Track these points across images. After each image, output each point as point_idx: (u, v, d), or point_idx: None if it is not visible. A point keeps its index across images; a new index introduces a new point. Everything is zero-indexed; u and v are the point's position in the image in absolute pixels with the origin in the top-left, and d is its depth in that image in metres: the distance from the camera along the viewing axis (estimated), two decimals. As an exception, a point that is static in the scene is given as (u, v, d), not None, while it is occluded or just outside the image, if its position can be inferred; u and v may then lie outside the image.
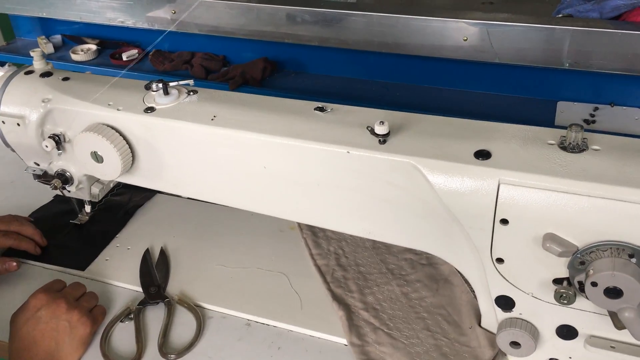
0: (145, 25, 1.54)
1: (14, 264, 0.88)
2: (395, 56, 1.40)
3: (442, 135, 0.66)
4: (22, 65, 0.86)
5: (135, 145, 0.78)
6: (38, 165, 0.88)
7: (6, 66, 1.88)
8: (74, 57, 1.78)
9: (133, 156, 0.78)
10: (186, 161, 0.77)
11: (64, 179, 0.85)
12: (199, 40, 1.71)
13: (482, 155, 0.62)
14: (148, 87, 0.79)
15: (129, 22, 1.55)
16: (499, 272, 0.65)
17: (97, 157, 0.78)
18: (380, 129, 0.65)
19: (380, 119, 0.66)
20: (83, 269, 0.89)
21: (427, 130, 0.68)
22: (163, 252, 0.91)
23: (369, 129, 0.67)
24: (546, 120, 1.27)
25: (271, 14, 1.37)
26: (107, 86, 0.79)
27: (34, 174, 0.89)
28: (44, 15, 1.62)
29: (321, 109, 0.73)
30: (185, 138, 0.74)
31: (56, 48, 1.85)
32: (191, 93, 0.79)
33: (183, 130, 0.74)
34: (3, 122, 0.82)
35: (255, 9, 1.37)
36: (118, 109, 0.76)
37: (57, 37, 1.87)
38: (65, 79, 0.83)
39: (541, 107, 1.36)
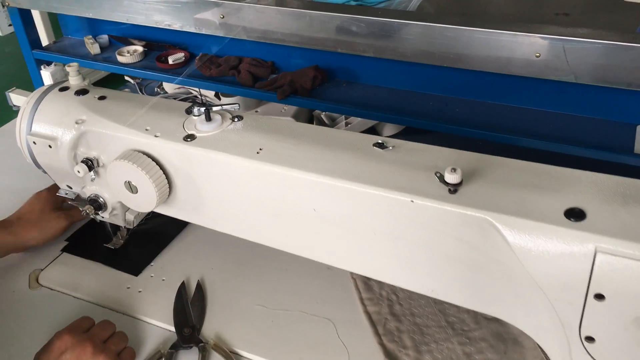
0: (193, 29, 1.47)
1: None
2: (456, 69, 1.29)
3: (523, 185, 0.57)
4: (58, 82, 0.80)
5: (173, 175, 0.71)
6: (70, 188, 0.82)
7: (52, 65, 1.86)
8: (119, 58, 1.73)
9: (170, 187, 0.71)
10: (227, 196, 0.69)
11: (97, 205, 0.79)
12: (247, 45, 1.64)
13: (575, 215, 0.52)
14: (189, 111, 0.72)
15: (176, 26, 1.49)
16: (587, 352, 0.55)
17: (131, 187, 0.71)
18: (451, 177, 0.56)
19: (450, 162, 0.57)
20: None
21: (505, 178, 0.58)
22: (200, 287, 0.83)
23: (438, 175, 0.57)
24: (624, 146, 1.15)
25: (324, 21, 1.28)
26: (144, 109, 0.72)
27: (66, 197, 0.83)
28: (90, 15, 1.58)
29: (381, 145, 0.64)
30: (227, 171, 0.67)
31: (102, 48, 1.81)
32: (236, 119, 0.71)
33: (225, 163, 0.66)
34: (34, 142, 0.76)
35: (308, 16, 1.28)
36: (156, 135, 0.69)
37: (104, 37, 1.83)
38: (102, 97, 0.77)
39: (618, 131, 1.23)
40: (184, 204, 0.73)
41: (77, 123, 0.74)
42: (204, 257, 0.89)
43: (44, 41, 2.01)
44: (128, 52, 1.75)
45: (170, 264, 0.88)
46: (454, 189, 0.56)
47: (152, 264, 0.88)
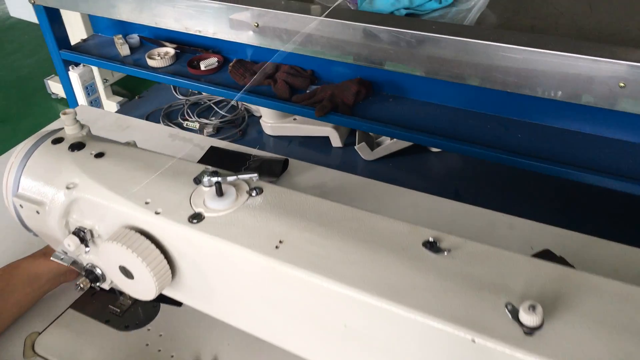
0: (225, 37, 1.34)
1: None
2: (520, 91, 1.11)
3: (625, 327, 0.42)
4: (52, 131, 0.69)
5: (177, 259, 0.58)
6: (66, 253, 0.71)
7: (80, 66, 1.76)
8: (150, 62, 1.62)
9: (173, 272, 0.59)
10: (240, 291, 0.56)
11: (94, 277, 0.67)
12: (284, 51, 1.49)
13: None
14: (198, 181, 0.59)
15: (209, 33, 1.36)
16: None
17: (126, 272, 0.59)
18: (529, 318, 0.41)
19: (526, 281, 0.43)
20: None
21: (601, 313, 0.43)
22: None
23: (510, 307, 0.43)
24: None
25: (370, 35, 1.13)
26: (146, 182, 0.60)
27: (61, 262, 0.72)
28: (119, 18, 1.47)
29: (433, 246, 0.50)
30: (239, 265, 0.54)
31: (132, 49, 1.70)
32: (254, 193, 0.58)
33: (237, 256, 0.53)
34: (21, 206, 0.65)
35: (351, 29, 1.13)
36: (157, 212, 0.57)
37: (135, 37, 1.72)
38: (99, 155, 0.65)
39: None
40: (191, 290, 0.61)
41: (68, 188, 0.62)
42: (219, 328, 0.77)
43: (81, 35, 1.91)
44: (159, 54, 1.63)
45: (179, 337, 0.77)
46: (530, 331, 0.42)
47: (161, 334, 0.77)
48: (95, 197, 0.61)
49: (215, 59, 1.53)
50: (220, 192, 0.57)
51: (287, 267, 0.50)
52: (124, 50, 1.66)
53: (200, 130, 1.82)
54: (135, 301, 0.80)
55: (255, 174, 0.58)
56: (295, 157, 1.34)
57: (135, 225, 0.58)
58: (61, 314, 0.80)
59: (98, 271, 0.68)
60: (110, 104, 2.38)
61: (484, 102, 1.32)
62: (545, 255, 0.72)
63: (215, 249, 0.54)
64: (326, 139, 1.69)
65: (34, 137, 0.68)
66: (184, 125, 1.86)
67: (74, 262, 0.71)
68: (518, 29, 1.14)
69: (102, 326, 0.78)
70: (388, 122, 1.31)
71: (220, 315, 0.61)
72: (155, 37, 1.70)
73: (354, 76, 1.37)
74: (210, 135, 1.81)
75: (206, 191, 0.58)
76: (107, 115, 1.24)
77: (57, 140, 0.67)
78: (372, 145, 1.60)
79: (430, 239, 0.50)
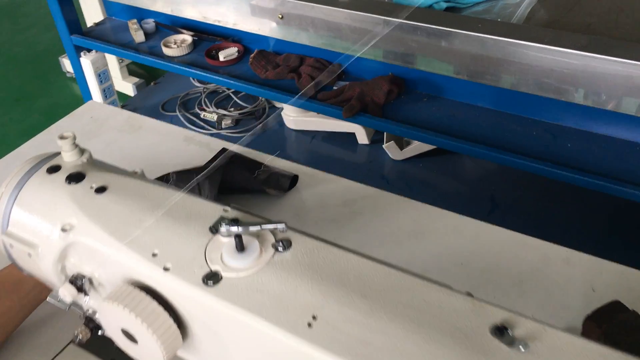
0: (247, 28, 1.24)
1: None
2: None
3: None
4: (49, 156, 0.59)
5: (189, 321, 0.49)
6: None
7: (93, 52, 1.66)
8: (165, 50, 1.52)
9: (185, 333, 0.50)
10: (263, 366, 0.47)
11: (95, 325, 0.59)
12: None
13: None
14: (215, 230, 0.49)
15: (229, 23, 1.25)
16: None
17: (129, 336, 0.50)
18: None
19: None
20: None
21: None
22: None
23: None
24: None
25: (406, 31, 1.02)
26: (153, 219, 0.50)
27: (58, 304, 0.63)
28: (132, 4, 1.36)
29: (504, 334, 0.40)
30: (263, 341, 0.45)
31: (148, 35, 1.60)
32: (280, 247, 0.48)
33: (261, 331, 0.44)
34: (11, 245, 0.56)
35: (382, 23, 1.02)
36: (165, 268, 0.48)
37: (150, 23, 1.62)
38: (101, 190, 0.55)
39: None
40: (205, 354, 0.52)
41: (63, 230, 0.53)
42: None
43: (98, 16, 1.82)
44: (175, 42, 1.53)
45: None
46: None
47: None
48: (94, 243, 0.52)
49: (235, 49, 1.43)
50: (240, 247, 0.47)
51: (322, 352, 0.41)
52: (139, 37, 1.56)
53: (218, 122, 1.72)
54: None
55: (282, 224, 0.48)
56: (318, 153, 1.22)
57: (139, 281, 0.49)
58: (61, 351, 0.72)
59: (99, 319, 0.59)
60: (126, 85, 2.29)
61: (530, 106, 1.20)
62: (615, 308, 0.62)
63: (234, 319, 0.45)
64: (352, 135, 1.58)
65: (28, 163, 0.59)
66: (201, 116, 1.76)
67: (74, 304, 0.62)
68: (572, 27, 1.02)
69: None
70: (421, 125, 1.20)
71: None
72: (172, 23, 1.60)
73: (385, 72, 1.26)
74: (228, 128, 1.71)
75: (224, 243, 0.49)
76: (119, 114, 1.15)
77: (54, 169, 0.57)
78: (402, 144, 1.49)
79: (500, 324, 0.41)
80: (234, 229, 0.48)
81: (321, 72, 1.33)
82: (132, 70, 2.44)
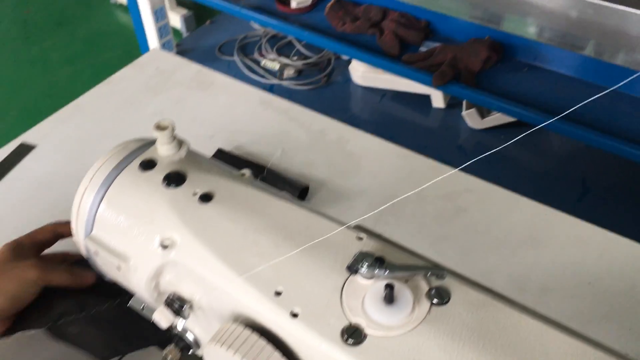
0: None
1: (93, 275, 0.61)
2: None
3: None
4: (140, 146, 0.50)
5: (314, 374, 0.41)
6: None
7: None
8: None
9: (306, 385, 0.42)
10: None
11: (184, 345, 0.51)
12: (395, -6, 1.25)
13: None
14: (353, 269, 0.40)
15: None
16: None
17: (242, 384, 0.42)
18: None
19: None
20: None
21: None
22: None
23: None
24: None
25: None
26: (279, 258, 0.41)
27: (141, 312, 0.55)
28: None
29: None
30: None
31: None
32: (435, 299, 0.39)
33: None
34: (97, 252, 0.48)
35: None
36: (294, 314, 0.39)
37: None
38: (206, 198, 0.46)
39: None
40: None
41: (163, 246, 0.44)
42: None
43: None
44: (243, -14, 1.40)
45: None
46: None
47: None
48: (201, 267, 0.43)
49: (309, -4, 1.30)
50: (390, 299, 0.38)
51: None
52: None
53: (280, 72, 1.60)
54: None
55: (444, 271, 0.39)
56: (386, 114, 1.11)
57: (255, 321, 0.41)
58: None
59: (192, 338, 0.51)
60: (174, 17, 2.15)
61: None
62: None
63: (383, 392, 0.36)
64: (425, 97, 1.46)
65: (115, 154, 0.49)
66: (262, 64, 1.64)
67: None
68: None
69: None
70: (521, 98, 1.07)
71: None
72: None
73: (482, 35, 1.12)
74: (291, 79, 1.60)
75: (365, 286, 0.39)
76: (187, 67, 1.04)
77: (148, 165, 0.48)
78: (482, 112, 1.37)
79: None
80: (381, 273, 0.39)
81: (407, 29, 1.20)
82: (180, 1, 2.30)
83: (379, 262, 0.39)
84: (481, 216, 0.75)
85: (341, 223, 0.44)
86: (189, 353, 0.52)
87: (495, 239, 0.72)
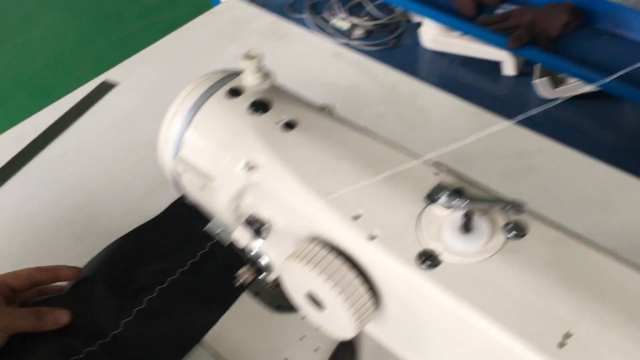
0: None
1: (66, 313, 0.57)
2: None
3: None
4: (227, 75, 0.52)
5: (386, 298, 0.42)
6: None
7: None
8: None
9: (377, 305, 0.43)
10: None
11: (258, 267, 0.53)
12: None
13: None
14: (432, 198, 0.41)
15: None
16: None
17: (315, 301, 0.44)
18: None
19: None
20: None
21: None
22: (352, 350, 0.59)
23: None
24: None
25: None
26: (362, 183, 0.42)
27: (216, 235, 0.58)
28: None
29: None
30: (487, 346, 0.37)
31: None
32: (513, 231, 0.39)
33: (489, 337, 0.36)
34: (182, 172, 0.51)
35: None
36: (372, 236, 0.40)
37: None
38: (289, 125, 0.47)
39: None
40: (392, 332, 0.45)
41: (248, 167, 0.46)
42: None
43: None
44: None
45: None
46: None
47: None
48: (283, 189, 0.45)
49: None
50: (467, 228, 0.39)
51: (576, 384, 0.33)
52: None
53: (349, 32, 1.60)
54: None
55: (523, 205, 0.39)
56: (454, 79, 1.10)
57: (334, 242, 0.42)
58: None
59: (265, 262, 0.53)
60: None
61: None
62: None
63: (451, 312, 0.37)
64: (495, 64, 1.43)
65: (203, 82, 0.51)
66: (331, 23, 1.64)
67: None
68: None
69: (249, 300, 0.66)
70: (601, 66, 1.04)
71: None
72: None
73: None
74: (359, 39, 1.59)
75: (443, 217, 0.40)
76: (261, 17, 1.06)
77: (234, 92, 0.50)
78: (555, 81, 1.33)
79: None
80: (460, 203, 0.39)
81: (483, -11, 1.17)
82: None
83: (457, 192, 0.40)
84: (551, 177, 0.74)
85: (420, 157, 0.44)
86: (260, 277, 0.54)
87: (564, 201, 0.71)
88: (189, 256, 0.58)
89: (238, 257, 0.55)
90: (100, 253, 0.67)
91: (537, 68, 1.36)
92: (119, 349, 0.57)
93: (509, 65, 1.43)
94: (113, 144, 0.83)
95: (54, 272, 0.60)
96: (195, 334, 0.62)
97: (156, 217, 0.71)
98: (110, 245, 0.68)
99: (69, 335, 0.56)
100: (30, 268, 0.58)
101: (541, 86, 1.36)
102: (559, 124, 1.34)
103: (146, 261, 0.66)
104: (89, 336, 0.55)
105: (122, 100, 0.91)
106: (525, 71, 1.43)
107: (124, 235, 0.69)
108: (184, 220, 0.68)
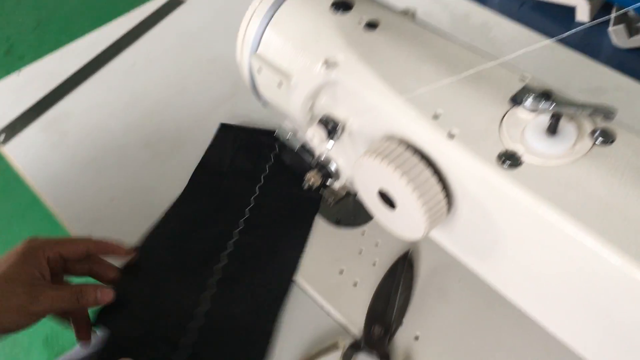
0: None
1: (110, 292, 0.55)
2: None
3: None
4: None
5: (460, 198, 0.42)
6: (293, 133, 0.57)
7: None
8: None
9: (449, 208, 0.43)
10: (550, 275, 0.40)
11: (326, 172, 0.54)
12: None
13: None
14: (518, 100, 0.40)
15: None
16: None
17: (386, 200, 0.44)
18: None
19: None
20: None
21: None
22: (410, 265, 0.59)
23: None
24: None
25: None
26: (447, 80, 0.42)
27: (285, 138, 0.59)
28: None
29: None
30: (566, 249, 0.37)
31: None
32: (600, 139, 0.38)
33: (569, 239, 0.35)
34: (259, 69, 0.51)
35: None
36: (450, 134, 0.40)
37: None
38: (371, 25, 0.47)
39: None
40: (463, 238, 0.45)
41: (326, 65, 0.46)
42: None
43: None
44: None
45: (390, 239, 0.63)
46: None
47: (378, 242, 0.64)
48: (362, 87, 0.44)
49: None
50: (553, 130, 0.38)
51: (657, 284, 0.32)
52: None
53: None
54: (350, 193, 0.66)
55: (614, 111, 0.38)
56: (524, 23, 1.07)
57: (411, 141, 0.42)
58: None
59: (333, 167, 0.54)
60: None
61: None
62: None
63: (535, 216, 0.37)
64: (569, 10, 1.36)
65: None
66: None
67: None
68: None
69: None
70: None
71: (493, 281, 0.46)
72: None
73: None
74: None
75: (527, 119, 0.39)
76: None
77: (316, -9, 0.49)
78: (631, 30, 1.26)
79: None
80: (547, 106, 0.38)
81: None
82: None
83: (545, 95, 0.39)
84: (628, 114, 0.71)
85: (505, 65, 0.43)
86: (327, 183, 0.55)
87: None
88: (234, 215, 0.60)
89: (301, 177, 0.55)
90: (147, 235, 0.63)
91: (613, 15, 1.30)
92: (213, 327, 0.55)
93: (583, 10, 1.37)
94: (181, 58, 0.84)
95: (111, 248, 0.58)
96: (286, 275, 0.60)
97: (184, 191, 0.67)
98: (153, 227, 0.64)
99: (156, 325, 0.55)
100: (88, 239, 0.57)
101: (615, 34, 1.30)
102: (632, 75, 1.28)
103: (195, 233, 0.63)
104: (178, 319, 0.55)
105: (190, 16, 0.91)
106: (599, 17, 1.37)
107: (163, 216, 0.65)
108: (210, 187, 0.67)
